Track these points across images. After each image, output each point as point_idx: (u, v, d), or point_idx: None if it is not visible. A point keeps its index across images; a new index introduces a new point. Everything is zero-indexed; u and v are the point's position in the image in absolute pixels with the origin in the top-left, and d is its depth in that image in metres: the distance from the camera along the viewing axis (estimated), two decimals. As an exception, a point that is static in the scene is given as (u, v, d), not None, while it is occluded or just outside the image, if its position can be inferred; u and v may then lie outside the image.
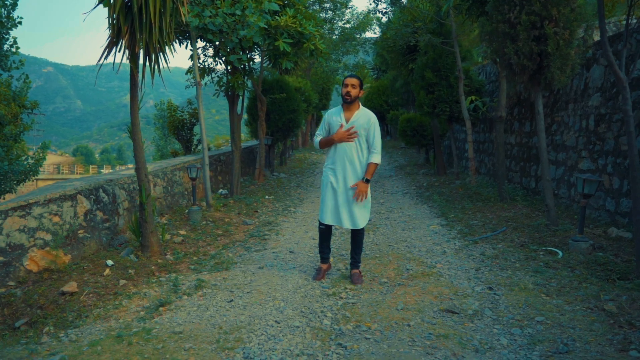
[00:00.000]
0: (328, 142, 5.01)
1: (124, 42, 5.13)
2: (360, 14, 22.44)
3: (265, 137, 13.27)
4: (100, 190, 6.71)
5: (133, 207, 7.35)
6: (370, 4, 18.70)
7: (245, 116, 15.38)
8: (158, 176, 8.51)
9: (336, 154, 4.99)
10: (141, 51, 5.49)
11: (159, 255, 6.23)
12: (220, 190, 11.19)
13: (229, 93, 10.29)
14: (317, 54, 10.02)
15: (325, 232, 5.13)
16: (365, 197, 4.88)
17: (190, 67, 10.73)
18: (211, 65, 10.74)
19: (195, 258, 6.24)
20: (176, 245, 6.88)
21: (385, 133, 31.36)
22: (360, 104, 5.05)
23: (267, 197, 10.73)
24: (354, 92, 4.88)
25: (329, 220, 4.99)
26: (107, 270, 5.63)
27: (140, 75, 5.56)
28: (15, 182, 19.09)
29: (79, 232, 6.16)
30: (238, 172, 10.38)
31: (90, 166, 77.55)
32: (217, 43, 9.16)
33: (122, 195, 7.15)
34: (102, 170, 73.10)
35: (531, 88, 6.53)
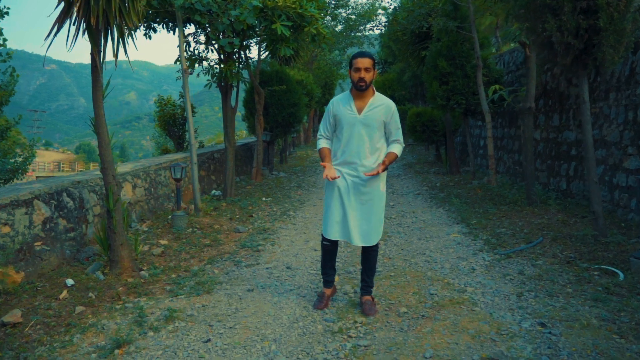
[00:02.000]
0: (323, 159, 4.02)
1: (75, 10, 4.09)
2: (365, 3, 21.32)
3: (264, 133, 12.23)
4: (64, 194, 5.69)
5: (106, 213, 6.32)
6: None
7: (241, 112, 14.34)
8: (139, 176, 7.48)
9: (345, 150, 3.96)
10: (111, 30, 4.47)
11: (130, 271, 5.21)
12: (214, 191, 10.17)
13: (222, 84, 9.25)
14: (319, 40, 8.97)
15: (330, 249, 4.09)
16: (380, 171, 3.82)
17: (178, 57, 9.69)
18: (202, 54, 9.69)
19: (174, 275, 5.21)
20: (154, 258, 5.87)
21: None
22: (374, 90, 4.00)
23: (264, 199, 9.69)
24: (368, 76, 3.82)
25: (335, 234, 3.95)
26: (65, 293, 4.63)
27: (101, 59, 4.53)
28: (1, 181, 18.12)
29: (36, 244, 5.15)
30: (232, 171, 9.35)
31: (91, 163, 76.59)
32: (206, 25, 8.11)
33: (92, 199, 6.13)
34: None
35: (574, 72, 5.46)
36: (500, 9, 12.89)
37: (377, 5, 21.70)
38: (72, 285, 4.79)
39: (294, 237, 6.85)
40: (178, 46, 9.56)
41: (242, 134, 25.11)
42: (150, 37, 9.64)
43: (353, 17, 20.66)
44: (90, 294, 4.55)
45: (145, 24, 9.30)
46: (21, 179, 18.37)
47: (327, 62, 22.11)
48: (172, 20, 9.02)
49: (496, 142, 11.67)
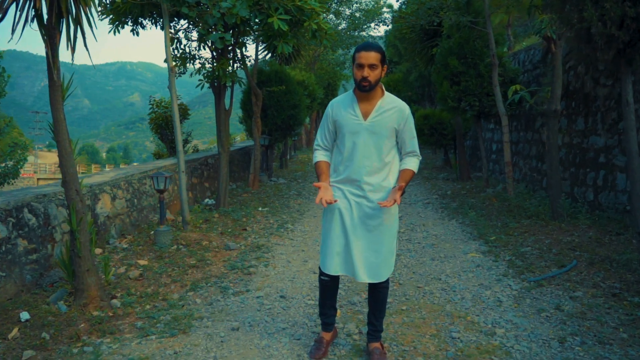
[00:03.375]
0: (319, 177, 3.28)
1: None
2: (370, 1, 20.53)
3: (262, 137, 11.46)
4: (25, 210, 4.94)
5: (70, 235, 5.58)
6: None
7: (239, 113, 13.61)
8: (119, 187, 6.74)
9: (348, 165, 3.21)
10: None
11: (98, 301, 4.46)
12: (207, 200, 9.42)
13: (215, 84, 8.50)
14: (320, 36, 8.21)
15: (330, 286, 3.32)
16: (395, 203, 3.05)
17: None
18: (194, 52, 8.96)
19: (148, 306, 4.46)
20: (131, 282, 5.12)
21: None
22: (383, 89, 3.24)
23: (260, 209, 8.92)
24: (374, 75, 3.04)
25: (335, 269, 3.19)
26: (15, 331, 3.89)
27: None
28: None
29: (-13, 270, 4.41)
30: (225, 179, 8.60)
31: (93, 165, 76.01)
32: (196, 19, 7.37)
33: (60, 214, 5.38)
34: (105, 168, 71.58)
35: (617, 69, 4.69)
36: (513, 5, 12.13)
37: (382, 2, 20.93)
38: (27, 320, 4.06)
39: (290, 255, 6.09)
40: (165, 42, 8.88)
41: (242, 137, 24.35)
42: (137, 34, 8.91)
43: (357, 14, 19.87)
44: (45, 334, 3.80)
45: (132, 19, 8.57)
46: (11, 184, 17.71)
47: (329, 62, 21.36)
48: (161, 15, 8.28)
49: (511, 147, 10.87)
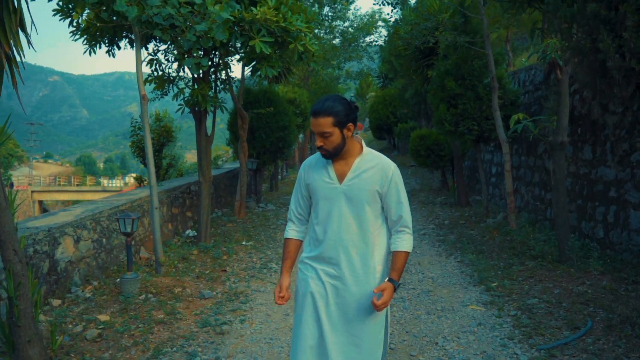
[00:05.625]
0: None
1: None
2: (365, 15, 20.09)
3: (249, 161, 10.86)
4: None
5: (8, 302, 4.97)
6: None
7: (226, 135, 13.04)
8: (85, 227, 6.13)
9: (323, 239, 2.63)
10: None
11: (42, 377, 3.85)
12: (188, 231, 8.81)
13: (195, 109, 7.94)
14: (307, 58, 7.66)
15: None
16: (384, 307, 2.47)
17: (149, 75, 8.40)
18: (174, 73, 8.40)
19: (99, 382, 3.84)
20: (86, 344, 4.51)
21: (392, 147, 28.83)
22: (362, 145, 2.65)
23: (244, 242, 8.31)
24: (330, 143, 2.49)
25: (306, 368, 2.60)
26: None
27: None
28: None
29: None
30: (207, 210, 8.00)
31: (88, 177, 75.26)
32: (170, 43, 6.82)
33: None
34: (100, 180, 70.82)
35: (636, 105, 4.13)
36: (512, 21, 11.63)
37: (377, 17, 20.45)
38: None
39: (270, 306, 5.47)
40: (149, 65, 8.33)
41: (227, 156, 23.71)
42: (113, 55, 8.36)
43: (351, 30, 19.38)
44: None
45: (107, 40, 8.02)
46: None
47: (323, 78, 20.84)
48: (127, 31, 7.74)
49: (512, 172, 10.30)
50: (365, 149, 2.64)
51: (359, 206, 2.57)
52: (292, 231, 2.75)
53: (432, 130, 12.78)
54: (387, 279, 2.53)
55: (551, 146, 6.15)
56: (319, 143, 2.49)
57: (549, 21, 4.44)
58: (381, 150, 28.39)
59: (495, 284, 5.74)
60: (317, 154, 2.73)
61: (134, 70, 5.41)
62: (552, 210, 6.89)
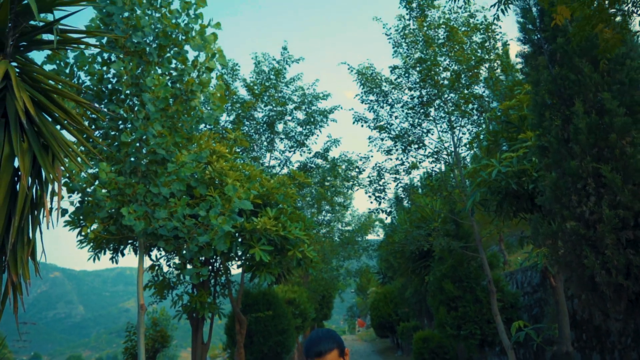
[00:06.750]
0: None
1: None
2: (362, 215, 21.05)
3: (246, 368, 10.35)
4: None
5: None
6: (372, 202, 16.88)
7: (223, 340, 12.64)
8: None
9: None
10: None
11: None
12: None
13: (193, 315, 7.87)
14: (305, 264, 7.86)
15: None
16: None
17: (149, 281, 8.51)
18: (175, 279, 8.52)
19: None
20: None
21: (396, 346, 27.67)
22: None
23: None
24: None
25: None
26: None
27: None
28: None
29: None
30: None
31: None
32: (173, 253, 7.06)
33: None
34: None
35: (632, 320, 4.13)
36: (501, 226, 12.16)
37: (373, 216, 21.40)
38: None
39: None
40: (150, 270, 8.49)
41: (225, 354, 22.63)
42: (117, 262, 8.60)
43: (349, 230, 20.15)
44: None
45: (112, 248, 8.31)
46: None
47: (323, 277, 21.01)
48: (131, 239, 8.05)
49: (522, 378, 9.77)
50: None
51: None
52: None
53: (435, 333, 12.43)
54: None
55: (555, 356, 5.95)
56: None
57: (533, 237, 4.68)
58: (384, 350, 27.21)
59: None
60: None
61: (135, 265, 5.53)
62: None
